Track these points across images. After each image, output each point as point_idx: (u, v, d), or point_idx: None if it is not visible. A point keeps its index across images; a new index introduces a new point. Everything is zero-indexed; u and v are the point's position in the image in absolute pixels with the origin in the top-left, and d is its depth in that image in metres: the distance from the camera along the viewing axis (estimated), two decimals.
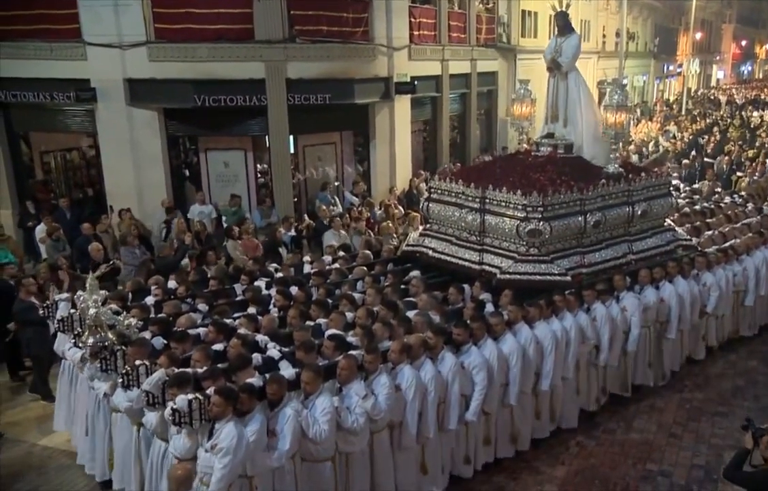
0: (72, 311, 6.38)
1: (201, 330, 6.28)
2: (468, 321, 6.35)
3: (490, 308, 7.00)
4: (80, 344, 5.97)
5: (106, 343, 5.67)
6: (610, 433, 7.20)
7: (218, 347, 5.84)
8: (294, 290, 7.42)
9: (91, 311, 5.71)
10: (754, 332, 9.67)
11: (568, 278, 7.52)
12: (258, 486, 4.88)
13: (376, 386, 5.41)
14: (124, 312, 6.25)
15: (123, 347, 5.64)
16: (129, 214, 11.52)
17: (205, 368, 5.27)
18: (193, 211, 11.97)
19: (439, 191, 8.55)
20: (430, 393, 5.68)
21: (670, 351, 8.17)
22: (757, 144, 20.65)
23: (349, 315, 6.58)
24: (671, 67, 43.56)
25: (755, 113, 29.66)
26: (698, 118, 28.81)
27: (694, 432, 7.20)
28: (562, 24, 8.93)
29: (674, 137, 23.64)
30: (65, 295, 7.09)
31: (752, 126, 25.23)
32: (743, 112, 29.21)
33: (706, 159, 19.17)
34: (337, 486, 5.32)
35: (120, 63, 11.60)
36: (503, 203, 7.77)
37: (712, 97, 40.41)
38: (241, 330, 6.11)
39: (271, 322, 6.46)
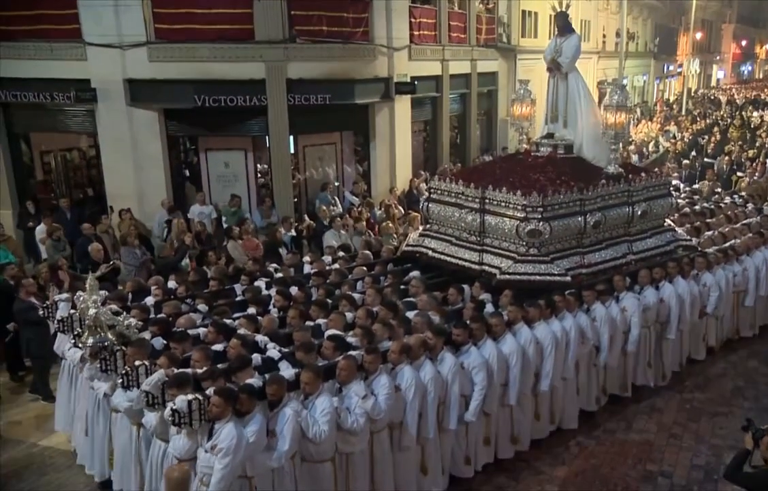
0: (72, 311, 6.39)
1: (201, 331, 6.28)
2: (468, 322, 6.35)
3: (489, 308, 7.01)
4: (80, 345, 5.99)
5: (106, 343, 5.68)
6: (610, 433, 7.20)
7: (218, 347, 5.84)
8: (294, 290, 7.42)
9: (91, 311, 5.73)
10: (754, 332, 9.66)
11: (568, 278, 7.52)
12: (257, 487, 4.88)
13: (376, 386, 5.41)
14: (124, 313, 6.25)
15: (123, 348, 5.65)
16: (129, 214, 11.53)
17: (204, 368, 5.27)
18: (194, 211, 11.97)
19: (439, 192, 8.55)
20: (430, 394, 5.68)
21: (670, 352, 8.17)
22: (757, 144, 20.65)
23: (349, 316, 6.57)
24: (671, 67, 43.56)
25: (755, 113, 29.65)
26: (698, 119, 28.81)
27: (694, 433, 7.20)
28: (562, 24, 8.92)
29: (674, 137, 23.63)
30: (65, 295, 7.10)
31: (752, 126, 25.22)
32: (743, 113, 29.19)
33: (706, 159, 19.18)
34: (337, 487, 5.31)
35: (120, 63, 11.61)
36: (503, 204, 7.77)
37: (712, 98, 40.40)
38: (241, 331, 6.11)
39: (271, 322, 6.46)
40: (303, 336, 5.90)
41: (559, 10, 8.91)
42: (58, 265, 9.05)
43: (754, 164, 17.22)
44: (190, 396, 4.67)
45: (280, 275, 8.23)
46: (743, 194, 13.56)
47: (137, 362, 5.24)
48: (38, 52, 11.59)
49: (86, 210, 12.67)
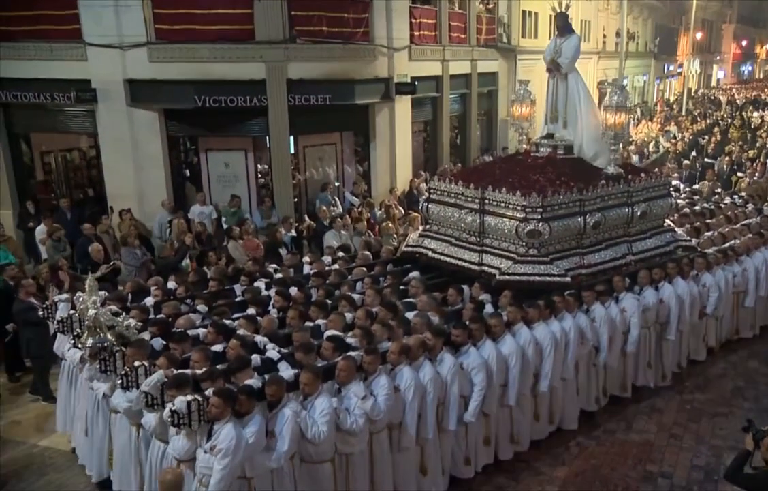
0: (71, 311, 6.39)
1: (200, 331, 6.28)
2: (467, 322, 6.36)
3: (489, 309, 7.01)
4: (80, 345, 5.99)
5: (106, 344, 5.69)
6: (610, 434, 7.20)
7: (217, 348, 5.84)
8: (293, 291, 7.42)
9: (91, 312, 5.73)
10: (754, 333, 9.66)
11: (568, 279, 7.52)
12: (257, 487, 4.88)
13: (375, 387, 5.41)
14: (124, 313, 6.26)
15: (122, 348, 5.65)
16: (129, 215, 11.54)
17: (204, 369, 5.27)
18: (194, 211, 11.97)
19: (439, 192, 8.55)
20: (429, 394, 5.68)
21: (670, 352, 8.16)
22: (757, 145, 20.63)
23: (349, 316, 6.58)
24: (671, 68, 43.55)
25: (756, 114, 29.62)
26: (698, 119, 28.79)
27: (694, 433, 7.20)
28: (562, 25, 8.91)
29: (674, 138, 23.62)
30: (65, 296, 7.10)
31: (753, 126, 25.20)
32: (744, 113, 29.17)
33: (706, 160, 19.16)
34: (336, 488, 5.31)
35: (120, 64, 11.61)
36: (503, 204, 7.77)
37: (712, 98, 40.39)
38: (241, 331, 6.11)
39: (271, 323, 6.45)
40: (302, 337, 5.90)
41: (558, 10, 8.91)
42: (58, 265, 9.06)
43: (755, 165, 17.20)
44: (189, 397, 4.67)
45: (279, 275, 8.23)
46: (743, 194, 13.56)
47: (137, 363, 5.24)
48: (38, 53, 11.59)
49: (86, 210, 12.67)
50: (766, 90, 43.05)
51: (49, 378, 8.04)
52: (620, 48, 27.79)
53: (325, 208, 12.09)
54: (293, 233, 11.39)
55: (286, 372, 5.37)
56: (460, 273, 7.97)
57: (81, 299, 6.03)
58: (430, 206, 8.70)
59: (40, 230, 10.83)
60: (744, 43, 60.51)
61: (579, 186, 7.86)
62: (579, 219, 7.80)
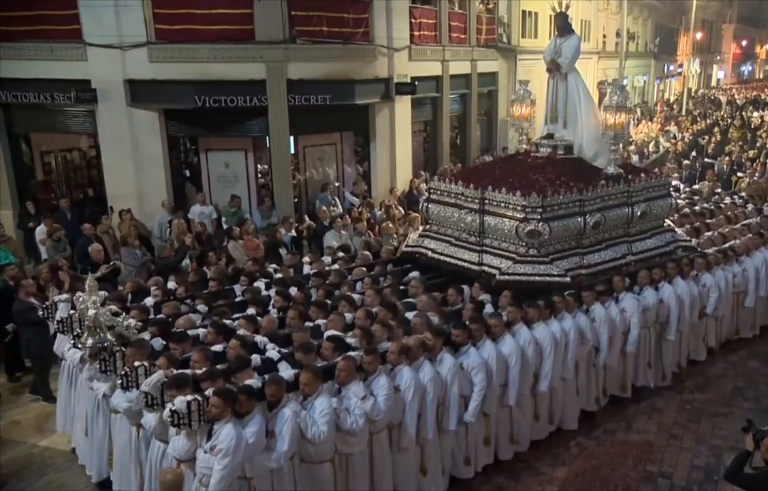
0: (71, 312, 6.39)
1: (200, 331, 6.28)
2: (467, 322, 6.36)
3: (489, 309, 7.01)
4: (79, 345, 5.99)
5: (105, 344, 5.69)
6: (610, 434, 7.20)
7: (217, 348, 5.85)
8: (293, 291, 7.42)
9: (90, 312, 5.73)
10: (754, 333, 9.66)
11: (568, 279, 7.52)
12: (257, 487, 4.89)
13: (375, 387, 5.41)
14: (124, 313, 6.26)
15: (122, 348, 5.65)
16: (129, 215, 11.54)
17: (204, 369, 5.27)
18: (194, 211, 11.97)
19: (439, 192, 8.55)
20: (429, 394, 5.68)
21: (670, 352, 8.16)
22: (758, 145, 20.62)
23: (348, 316, 6.58)
24: (671, 68, 43.55)
25: (756, 114, 29.61)
26: (699, 119, 28.78)
27: (694, 433, 7.20)
28: (562, 25, 8.91)
29: (674, 138, 23.62)
30: (65, 296, 7.10)
31: (753, 126, 25.19)
32: (744, 113, 29.17)
33: (706, 160, 19.15)
34: (336, 488, 5.32)
35: (120, 64, 11.61)
36: (502, 204, 7.77)
37: (712, 98, 40.39)
38: (240, 331, 6.11)
39: (271, 323, 6.45)
40: (302, 337, 5.90)
41: (558, 10, 8.91)
42: (58, 265, 9.06)
43: (755, 165, 17.20)
44: (189, 397, 4.67)
45: (279, 275, 8.23)
46: (743, 194, 13.56)
47: (136, 363, 5.24)
48: (38, 53, 11.59)
49: (86, 210, 12.67)
50: (766, 90, 43.04)
51: (49, 378, 8.05)
52: (620, 48, 27.80)
53: (325, 208, 12.10)
54: (293, 233, 11.39)
55: (286, 372, 5.37)
56: (460, 273, 7.97)
57: (81, 299, 6.03)
58: (429, 206, 8.70)
59: (40, 230, 10.83)
60: (744, 43, 60.51)
61: (579, 186, 7.86)
62: (579, 219, 7.80)
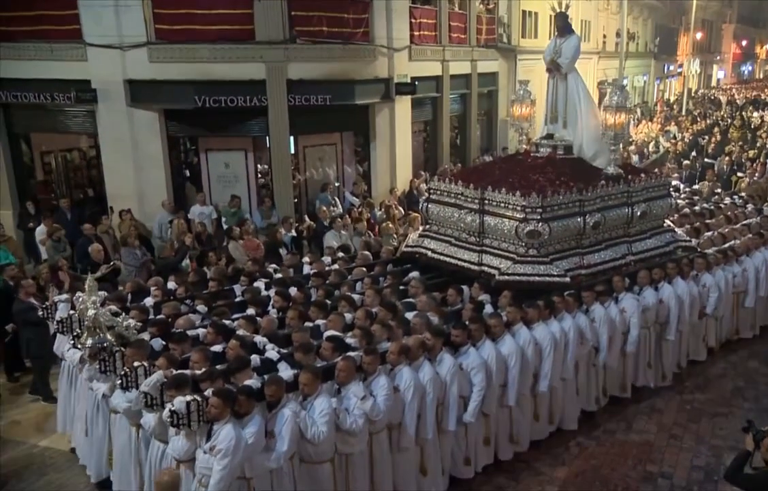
0: (71, 312, 6.39)
1: (200, 331, 6.28)
2: (467, 322, 6.36)
3: (489, 309, 7.00)
4: (79, 346, 5.99)
5: (105, 344, 5.69)
6: (610, 434, 7.20)
7: (217, 348, 5.84)
8: (293, 291, 7.42)
9: (90, 312, 5.73)
10: (754, 333, 9.65)
11: (567, 279, 7.52)
12: (256, 488, 4.88)
13: (375, 387, 5.41)
14: (123, 313, 6.26)
15: (122, 349, 5.66)
16: (129, 215, 11.54)
17: (203, 369, 5.27)
18: (194, 212, 11.97)
19: (439, 192, 8.55)
20: (429, 394, 5.68)
21: (669, 352, 8.16)
22: (758, 145, 20.61)
23: (348, 316, 6.58)
24: (672, 68, 43.55)
25: (756, 114, 29.59)
26: (699, 119, 28.78)
27: (694, 433, 7.20)
28: (562, 25, 8.91)
29: (675, 138, 23.62)
30: (64, 296, 7.10)
31: (753, 126, 25.18)
32: (744, 113, 29.16)
33: (706, 160, 19.14)
34: (336, 488, 5.32)
35: (120, 64, 11.62)
36: (502, 204, 7.77)
37: (712, 98, 40.38)
38: (240, 332, 6.11)
39: (270, 323, 6.45)
40: (302, 337, 5.90)
41: (558, 10, 8.91)
42: (58, 266, 9.06)
43: (755, 165, 17.19)
44: (188, 397, 4.67)
45: (279, 275, 8.23)
46: (743, 194, 13.55)
47: (136, 363, 5.24)
48: (38, 53, 11.59)
49: (86, 211, 12.68)
50: (766, 90, 43.03)
51: (49, 378, 8.05)
52: (620, 48, 27.80)
53: (325, 208, 12.10)
54: (293, 233, 11.39)
55: (285, 372, 5.37)
56: (459, 273, 7.97)
57: (80, 299, 6.03)
58: (429, 206, 8.70)
59: (40, 231, 10.83)
60: (744, 43, 60.50)
61: (579, 186, 7.86)
62: (579, 219, 7.80)
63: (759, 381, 8.38)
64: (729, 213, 11.20)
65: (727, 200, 12.70)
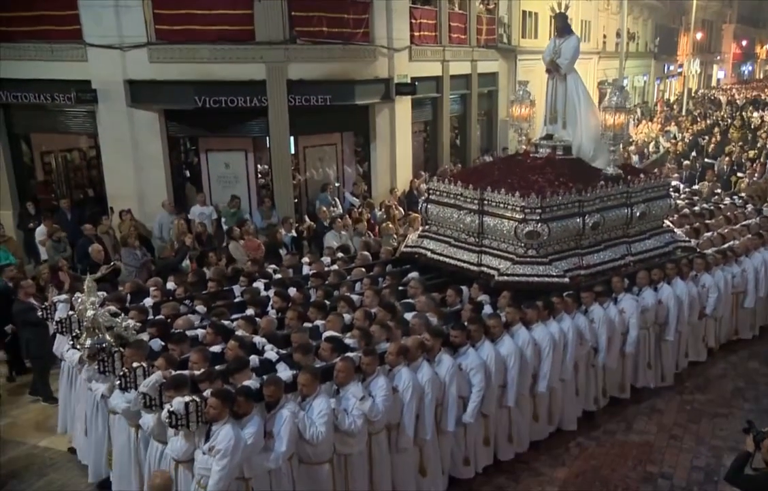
0: (70, 312, 6.39)
1: (199, 332, 6.29)
2: (466, 323, 6.36)
3: (488, 309, 7.00)
4: (78, 346, 5.99)
5: (104, 345, 5.69)
6: (610, 434, 7.20)
7: (216, 349, 5.85)
8: (292, 291, 7.42)
9: (89, 313, 5.73)
10: (754, 333, 9.65)
11: (566, 279, 7.51)
12: (255, 488, 4.89)
13: (374, 388, 5.41)
14: (122, 314, 6.25)
15: (121, 349, 5.66)
16: (129, 215, 11.55)
17: (202, 370, 5.27)
18: (194, 212, 11.98)
19: (438, 193, 8.54)
20: (428, 395, 5.67)
21: (669, 353, 8.16)
22: (758, 145, 20.60)
23: (347, 317, 6.58)
24: (672, 68, 43.54)
25: (756, 114, 29.56)
26: (699, 119, 28.77)
27: (694, 434, 7.20)
28: (561, 26, 8.91)
29: (675, 138, 23.61)
30: (64, 296, 7.11)
31: (753, 127, 25.17)
32: (744, 113, 29.14)
33: (706, 160, 19.13)
34: (335, 488, 5.31)
35: (121, 64, 11.62)
36: (501, 205, 7.76)
37: (712, 98, 40.36)
38: (239, 332, 6.11)
39: (270, 324, 6.46)
40: (301, 338, 5.90)
41: (558, 11, 8.90)
42: (58, 266, 9.07)
43: (754, 165, 17.18)
44: (187, 398, 4.67)
45: (278, 276, 8.23)
46: (743, 194, 13.55)
47: (135, 364, 5.25)
48: (39, 53, 11.61)
49: (87, 211, 12.68)
50: (766, 90, 43.00)
51: (49, 379, 8.05)
52: (620, 48, 27.77)
53: (325, 208, 12.11)
54: (293, 233, 11.40)
55: (284, 372, 5.37)
56: (459, 274, 7.97)
57: (79, 300, 6.03)
58: (429, 206, 8.70)
59: (41, 231, 10.83)
60: (744, 43, 60.47)
61: (578, 187, 7.85)
62: (578, 220, 7.80)
63: (759, 381, 8.38)
64: (729, 214, 11.19)
65: (727, 201, 12.70)
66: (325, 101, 12.58)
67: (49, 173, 13.88)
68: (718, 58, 55.67)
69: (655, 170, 12.57)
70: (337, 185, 14.31)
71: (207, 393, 4.83)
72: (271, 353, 5.78)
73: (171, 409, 4.64)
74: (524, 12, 21.19)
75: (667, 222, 9.26)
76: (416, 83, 14.81)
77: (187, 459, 4.87)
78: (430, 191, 8.76)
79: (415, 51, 15.08)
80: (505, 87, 20.02)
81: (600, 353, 7.23)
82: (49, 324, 7.00)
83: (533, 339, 6.51)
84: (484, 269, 7.81)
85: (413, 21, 15.01)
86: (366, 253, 9.41)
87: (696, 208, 11.77)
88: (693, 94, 42.22)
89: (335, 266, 8.67)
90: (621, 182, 8.26)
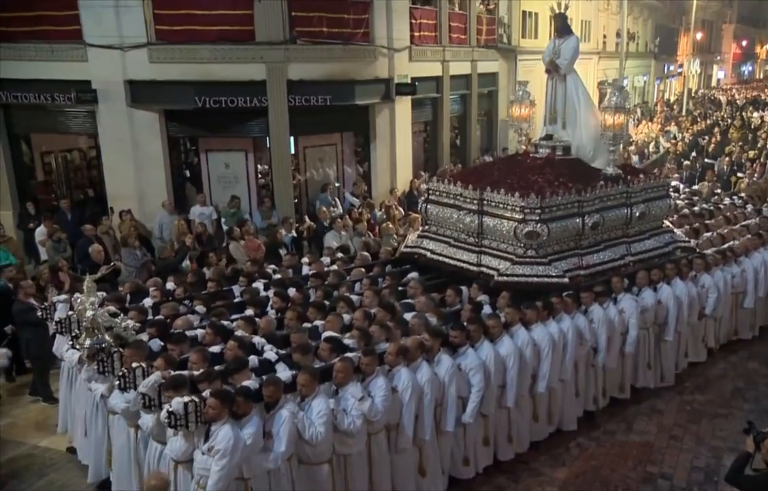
0: (70, 312, 6.39)
1: (198, 332, 6.29)
2: (465, 323, 6.35)
3: (487, 310, 7.00)
4: (78, 346, 5.99)
5: (103, 345, 5.70)
6: (610, 435, 7.20)
7: (215, 349, 5.85)
8: (292, 292, 7.42)
9: (89, 313, 5.73)
10: (753, 333, 9.64)
11: (566, 280, 7.51)
12: (254, 488, 4.89)
13: (373, 388, 5.41)
14: (122, 314, 6.26)
15: (120, 349, 5.66)
16: (130, 215, 11.55)
17: (202, 370, 5.27)
18: (194, 212, 11.99)
19: (438, 193, 8.54)
20: (427, 395, 5.67)
21: (668, 353, 8.16)
22: (758, 145, 20.60)
23: (347, 317, 6.58)
24: (672, 68, 43.53)
25: (756, 114, 29.54)
26: (699, 119, 28.77)
27: (694, 434, 7.20)
28: (561, 26, 8.91)
29: (675, 138, 23.61)
30: (63, 296, 7.12)
31: (753, 127, 25.16)
32: (744, 113, 29.13)
33: (706, 160, 19.13)
34: (335, 489, 5.32)
35: (121, 64, 11.63)
36: (501, 205, 7.76)
37: (712, 98, 40.35)
38: (239, 332, 6.11)
39: (269, 324, 6.46)
40: (300, 338, 5.90)
41: (557, 11, 8.90)
42: (58, 266, 9.07)
43: (754, 165, 17.18)
44: (186, 398, 4.67)
45: (278, 276, 8.23)
46: (743, 195, 13.54)
47: (134, 364, 5.25)
48: (39, 54, 11.61)
49: (87, 211, 12.68)
50: (766, 90, 42.99)
51: (49, 379, 8.05)
52: (620, 48, 27.78)
53: (325, 209, 12.11)
54: (293, 233, 11.40)
55: (283, 373, 5.38)
56: (458, 274, 7.97)
57: (79, 300, 6.03)
58: (428, 206, 8.70)
59: (41, 231, 10.83)
60: (744, 43, 60.46)
61: (577, 187, 7.85)
62: (577, 220, 7.79)
63: (759, 381, 8.37)
64: (728, 214, 11.18)
65: (727, 201, 12.69)
66: (325, 101, 12.58)
67: (49, 173, 13.88)
68: (718, 58, 55.66)
69: (655, 171, 12.57)
70: (337, 185, 14.31)
71: (206, 393, 4.83)
72: (270, 353, 5.78)
73: (170, 409, 4.65)
74: (524, 12, 21.20)
75: (666, 222, 9.25)
76: (416, 83, 14.81)
77: (186, 460, 4.87)
78: (430, 192, 8.76)
79: (415, 51, 15.08)
80: (505, 87, 20.02)
81: (600, 354, 7.23)
82: (49, 324, 7.00)
83: (532, 339, 6.51)
84: (484, 269, 7.81)
85: (413, 21, 15.01)
86: (366, 253, 9.41)
87: (696, 208, 11.77)
88: (693, 95, 42.22)
89: (335, 267, 8.67)
90: (621, 182, 8.26)
